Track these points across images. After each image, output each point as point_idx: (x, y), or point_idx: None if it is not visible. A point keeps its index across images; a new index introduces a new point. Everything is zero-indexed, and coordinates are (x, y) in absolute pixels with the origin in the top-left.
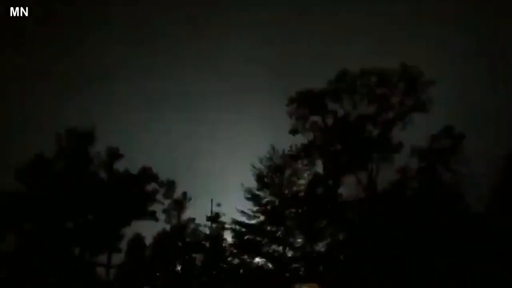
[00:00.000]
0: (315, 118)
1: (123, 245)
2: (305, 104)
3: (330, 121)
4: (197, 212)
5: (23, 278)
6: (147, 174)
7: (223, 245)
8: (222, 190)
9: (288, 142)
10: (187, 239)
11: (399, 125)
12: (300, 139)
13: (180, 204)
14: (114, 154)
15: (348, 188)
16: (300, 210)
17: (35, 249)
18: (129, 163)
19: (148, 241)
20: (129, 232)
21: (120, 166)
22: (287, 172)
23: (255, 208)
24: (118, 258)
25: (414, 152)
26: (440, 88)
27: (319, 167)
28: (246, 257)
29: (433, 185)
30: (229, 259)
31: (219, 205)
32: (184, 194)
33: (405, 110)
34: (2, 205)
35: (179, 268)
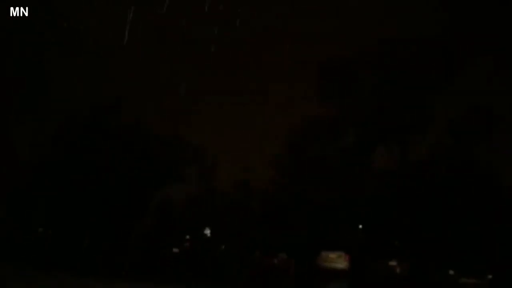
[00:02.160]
0: (347, 87)
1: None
2: (336, 72)
3: (362, 89)
4: (225, 179)
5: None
6: (175, 140)
7: (250, 212)
8: (251, 158)
9: (319, 111)
10: (215, 204)
11: (436, 96)
12: (331, 108)
13: (208, 170)
14: (141, 120)
15: (380, 159)
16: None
17: (65, 213)
18: (158, 130)
19: (177, 205)
20: (158, 195)
21: (149, 132)
22: (318, 142)
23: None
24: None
25: (451, 124)
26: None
27: (350, 137)
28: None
29: (469, 160)
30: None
31: (246, 170)
32: (213, 160)
33: (441, 80)
34: (33, 173)
35: (207, 232)
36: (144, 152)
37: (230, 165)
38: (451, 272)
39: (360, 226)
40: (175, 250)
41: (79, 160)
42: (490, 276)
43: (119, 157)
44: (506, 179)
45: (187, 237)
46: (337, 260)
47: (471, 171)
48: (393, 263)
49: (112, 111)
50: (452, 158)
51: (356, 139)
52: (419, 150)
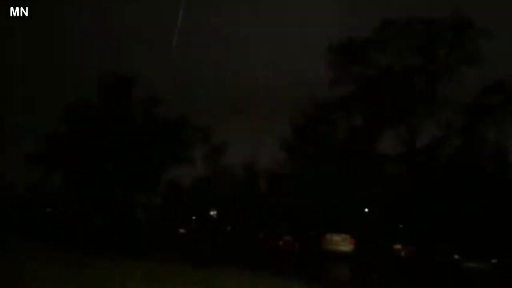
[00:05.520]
0: (356, 69)
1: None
2: (346, 53)
3: (371, 72)
4: (232, 161)
5: (67, 214)
6: (184, 122)
7: (256, 194)
8: (259, 140)
9: (328, 94)
10: (222, 186)
11: (446, 78)
12: (340, 91)
13: (216, 152)
14: (153, 101)
15: (387, 142)
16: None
17: (78, 188)
18: (169, 111)
19: (184, 186)
20: (165, 177)
21: (159, 112)
22: (325, 124)
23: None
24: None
25: (460, 107)
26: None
27: (358, 120)
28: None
29: (477, 143)
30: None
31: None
32: (221, 142)
33: (452, 63)
34: (48, 147)
35: (213, 213)
36: (153, 133)
37: (238, 148)
38: (456, 256)
39: (366, 210)
40: (182, 230)
41: (89, 139)
42: (494, 261)
43: (128, 138)
44: None
45: (193, 218)
46: (342, 243)
47: (478, 157)
48: (398, 246)
49: (128, 82)
50: (460, 143)
51: (365, 122)
52: (427, 134)
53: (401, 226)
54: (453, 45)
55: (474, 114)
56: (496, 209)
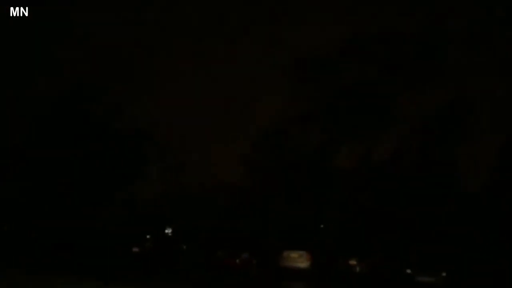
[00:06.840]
0: (316, 84)
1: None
2: (307, 68)
3: (331, 87)
4: (191, 174)
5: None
6: (142, 136)
7: (213, 211)
8: (217, 155)
9: (287, 111)
10: (179, 203)
11: (404, 95)
12: (301, 106)
13: (175, 167)
14: (111, 113)
15: (344, 157)
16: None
17: (32, 203)
18: (127, 123)
19: (139, 203)
20: (122, 192)
21: (117, 125)
22: (283, 139)
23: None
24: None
25: (416, 124)
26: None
27: (316, 135)
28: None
29: (430, 160)
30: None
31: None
32: (178, 159)
33: (410, 80)
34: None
35: (168, 231)
36: (107, 149)
37: (196, 163)
38: (408, 271)
39: (322, 226)
40: (135, 249)
41: (39, 154)
42: (444, 274)
43: (81, 152)
44: (467, 181)
45: (148, 236)
46: (299, 260)
47: (431, 173)
48: (353, 262)
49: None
50: (414, 158)
51: (321, 138)
52: (383, 150)
53: (356, 241)
54: (413, 62)
55: (427, 132)
56: (444, 225)
